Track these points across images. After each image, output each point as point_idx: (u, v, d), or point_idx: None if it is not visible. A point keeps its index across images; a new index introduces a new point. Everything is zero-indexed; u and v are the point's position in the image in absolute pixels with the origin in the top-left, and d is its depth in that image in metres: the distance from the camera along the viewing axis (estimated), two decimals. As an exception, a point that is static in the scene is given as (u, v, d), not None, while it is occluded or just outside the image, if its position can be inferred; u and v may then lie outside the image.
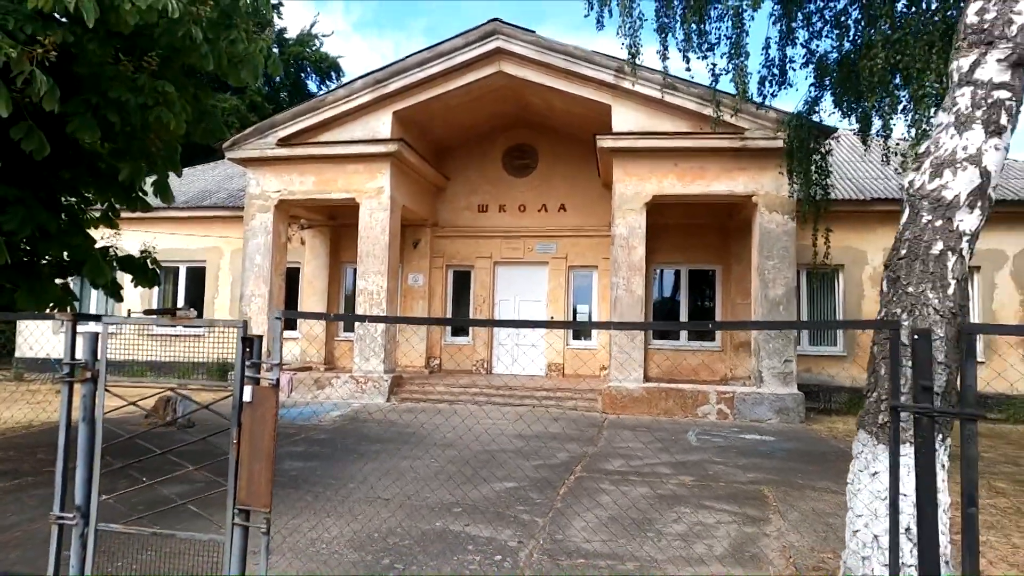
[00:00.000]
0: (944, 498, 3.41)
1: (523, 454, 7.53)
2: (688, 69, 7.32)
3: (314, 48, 31.65)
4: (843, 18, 6.47)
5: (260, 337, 3.56)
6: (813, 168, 8.19)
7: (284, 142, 13.14)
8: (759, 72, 7.65)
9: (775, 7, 7.12)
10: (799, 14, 6.99)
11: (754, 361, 11.74)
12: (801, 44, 7.22)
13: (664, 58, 7.39)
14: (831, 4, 6.56)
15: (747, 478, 6.73)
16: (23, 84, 3.75)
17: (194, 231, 15.95)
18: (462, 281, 15.63)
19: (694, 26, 6.42)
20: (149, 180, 5.97)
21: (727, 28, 6.21)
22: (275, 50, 28.52)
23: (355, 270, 13.35)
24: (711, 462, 7.56)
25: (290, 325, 15.41)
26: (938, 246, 3.31)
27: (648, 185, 12.05)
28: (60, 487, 3.51)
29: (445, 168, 15.51)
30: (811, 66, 7.12)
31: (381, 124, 12.97)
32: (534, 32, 12.35)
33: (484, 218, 15.47)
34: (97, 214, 6.77)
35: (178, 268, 16.24)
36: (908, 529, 3.23)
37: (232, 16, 5.68)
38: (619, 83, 11.90)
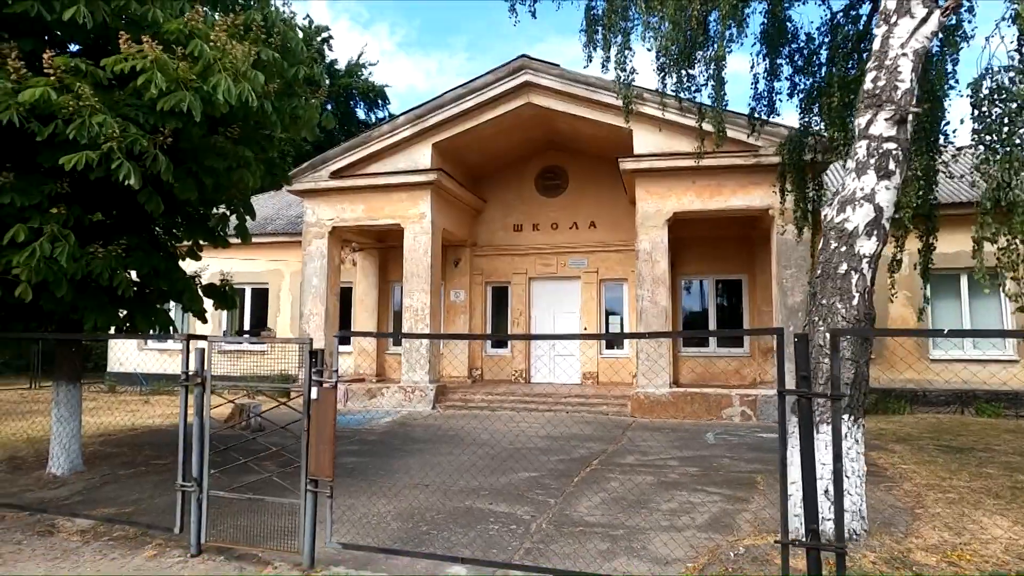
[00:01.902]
0: (859, 465, 4.26)
1: (548, 451, 8.51)
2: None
3: (362, 78, 33.55)
4: (814, 58, 7.28)
5: (322, 350, 4.69)
6: (810, 184, 8.92)
7: (336, 175, 14.56)
8: (749, 104, 8.50)
9: (761, 47, 8.00)
10: (783, 51, 7.83)
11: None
12: (786, 78, 8.05)
13: (663, 95, 8.35)
14: (806, 47, 7.38)
15: (747, 468, 7.52)
16: (149, 161, 5.02)
17: (257, 256, 17.56)
18: (500, 296, 16.73)
19: (683, 72, 7.34)
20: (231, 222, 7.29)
21: (711, 72, 7.11)
22: (326, 81, 30.35)
23: (402, 288, 14.61)
24: (720, 457, 8.36)
25: (344, 340, 16.82)
26: (843, 267, 4.18)
27: (669, 202, 12.89)
28: (182, 463, 4.72)
29: (482, 192, 16.69)
30: (795, 97, 7.94)
31: (422, 155, 14.23)
32: (559, 65, 13.42)
33: (519, 237, 16.55)
34: (184, 248, 8.16)
35: (244, 290, 17.88)
36: (827, 491, 4.09)
37: (293, 86, 6.96)
38: (638, 108, 12.77)
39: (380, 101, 34.09)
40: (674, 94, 7.37)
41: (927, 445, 8.88)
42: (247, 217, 7.30)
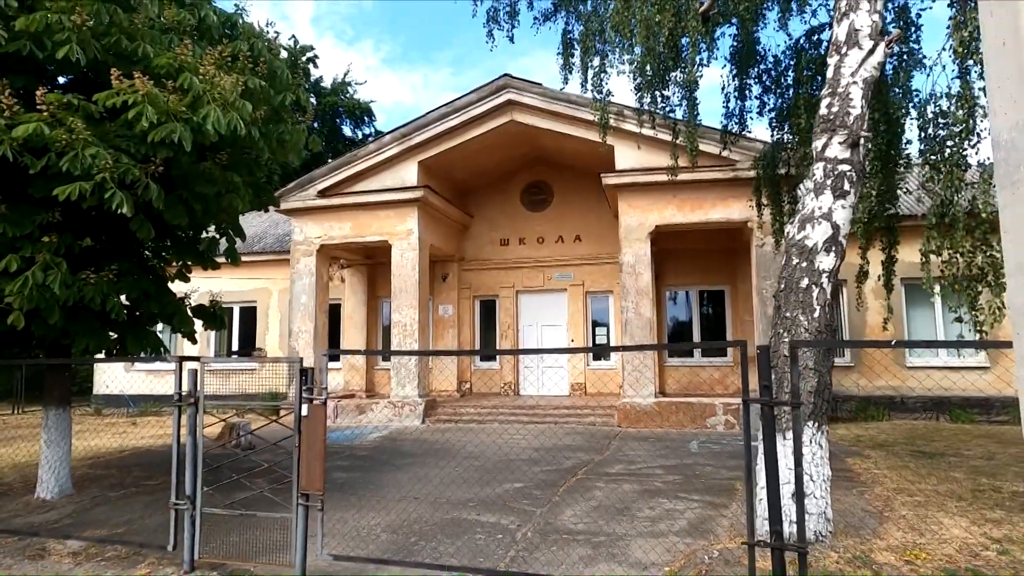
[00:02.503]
0: (823, 470, 4.48)
1: (535, 462, 8.69)
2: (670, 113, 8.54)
3: (348, 95, 33.81)
4: (781, 79, 7.60)
5: (312, 369, 4.86)
6: (785, 198, 9.22)
7: (323, 193, 14.75)
8: (722, 122, 8.82)
9: (732, 68, 8.31)
10: (752, 72, 8.14)
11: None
12: (756, 97, 8.36)
13: (641, 112, 8.64)
14: (774, 68, 7.71)
15: (728, 476, 7.73)
16: (140, 190, 5.20)
17: (245, 274, 17.65)
18: (488, 309, 16.93)
19: (658, 93, 7.63)
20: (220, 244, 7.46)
21: (684, 94, 7.40)
22: (312, 101, 30.41)
23: (390, 304, 14.76)
24: (703, 465, 8.57)
25: (334, 357, 16.90)
26: (804, 281, 4.43)
27: (651, 216, 13.18)
28: (175, 482, 4.86)
29: (468, 207, 16.93)
30: (765, 116, 8.25)
31: (408, 173, 14.47)
32: (541, 84, 13.74)
33: (506, 251, 16.78)
34: (172, 270, 8.31)
35: (232, 308, 17.95)
36: (794, 495, 4.30)
37: (279, 112, 7.17)
38: (619, 125, 13.08)
39: (366, 118, 34.36)
40: (651, 113, 7.65)
41: (900, 451, 9.14)
42: (236, 239, 7.47)
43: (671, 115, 7.90)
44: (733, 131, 8.43)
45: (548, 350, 5.97)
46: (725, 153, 10.94)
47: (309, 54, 32.49)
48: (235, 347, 18.14)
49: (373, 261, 16.98)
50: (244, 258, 17.80)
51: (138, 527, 5.93)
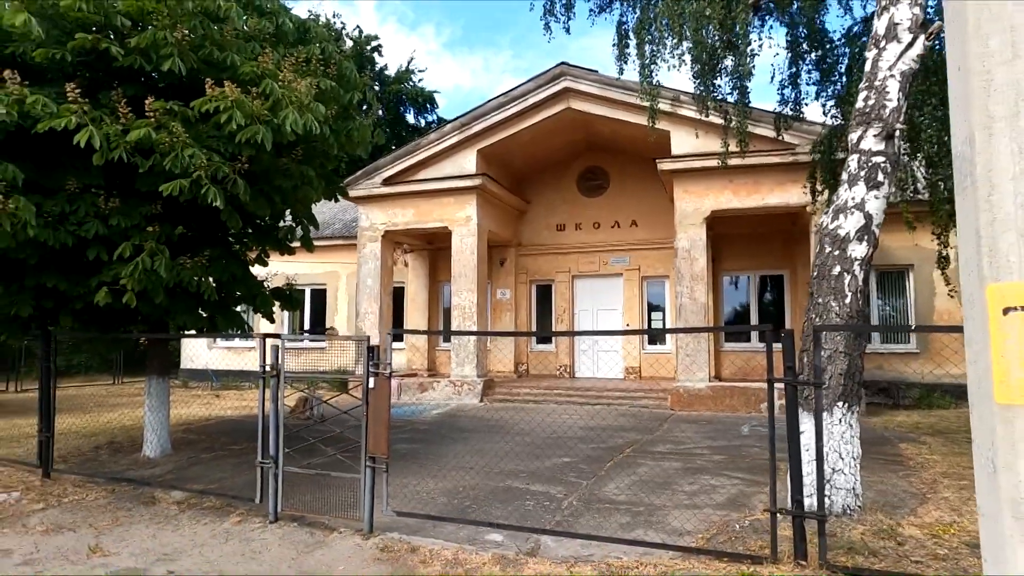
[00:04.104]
0: (852, 447, 4.71)
1: (586, 440, 9.10)
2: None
3: (412, 84, 34.65)
4: (837, 66, 7.61)
5: (378, 346, 5.41)
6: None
7: (387, 182, 15.47)
8: (776, 108, 8.86)
9: (789, 54, 8.35)
10: (807, 59, 8.17)
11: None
12: (813, 83, 8.38)
13: (697, 99, 8.80)
14: (830, 55, 7.71)
15: (779, 457, 7.91)
16: (230, 185, 5.88)
17: (316, 259, 18.69)
18: (544, 294, 17.35)
19: (710, 82, 7.79)
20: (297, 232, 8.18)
21: (736, 83, 7.54)
22: (377, 106, 31.37)
23: (450, 287, 15.41)
24: (750, 446, 8.76)
25: (398, 337, 17.76)
26: (837, 269, 4.63)
27: (706, 201, 13.23)
28: (260, 443, 5.54)
29: (525, 193, 17.33)
30: (820, 100, 8.26)
31: (467, 161, 14.98)
32: (596, 71, 13.92)
33: (562, 236, 17.12)
34: (253, 255, 9.11)
35: (304, 290, 19.06)
36: (835, 469, 4.54)
37: (348, 109, 7.76)
38: (675, 111, 13.17)
39: (429, 105, 35.11)
40: (704, 100, 7.83)
41: (959, 438, 9.04)
42: (310, 228, 8.15)
43: (726, 101, 8.04)
44: (789, 116, 8.47)
45: (598, 332, 6.31)
46: (783, 137, 10.91)
47: (374, 43, 33.48)
48: (306, 327, 19.27)
49: (434, 246, 17.66)
50: (316, 243, 18.89)
51: (228, 484, 6.71)
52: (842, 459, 4.65)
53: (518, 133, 14.87)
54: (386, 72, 34.48)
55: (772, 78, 8.12)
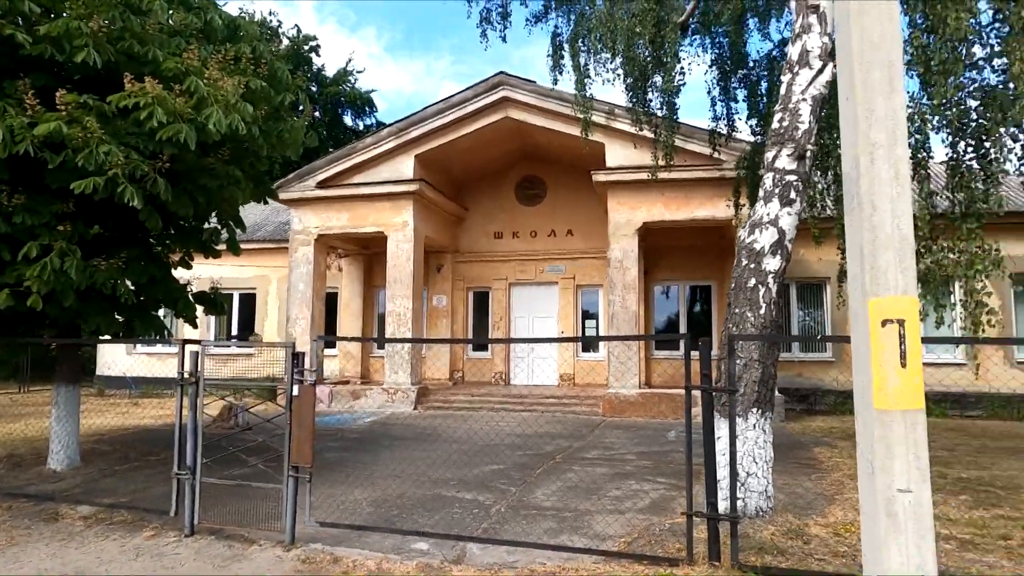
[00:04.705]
0: (765, 452, 4.93)
1: (518, 447, 9.16)
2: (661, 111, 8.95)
3: (350, 85, 34.13)
4: (755, 87, 8.02)
5: (303, 352, 5.30)
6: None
7: (322, 185, 15.16)
8: (709, 124, 9.22)
9: (716, 73, 8.71)
10: (733, 78, 8.55)
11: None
12: (741, 100, 8.77)
13: (630, 113, 9.06)
14: (752, 76, 8.11)
15: (697, 461, 8.17)
16: (149, 184, 5.63)
17: (245, 262, 18.09)
18: (481, 301, 17.39)
19: (641, 97, 8.03)
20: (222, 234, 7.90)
21: (665, 99, 7.81)
22: (312, 89, 30.68)
23: (386, 293, 15.21)
24: (675, 452, 9.02)
25: (330, 344, 17.42)
26: (752, 281, 4.86)
27: (639, 213, 13.60)
28: (177, 453, 5.31)
29: (464, 200, 17.35)
30: (744, 121, 8.67)
31: (405, 166, 14.87)
32: (535, 82, 14.12)
33: (499, 244, 17.22)
34: (175, 258, 8.75)
35: (232, 295, 18.41)
36: (749, 473, 4.74)
37: (279, 110, 7.58)
38: (610, 124, 13.50)
39: (367, 108, 34.69)
40: (637, 114, 8.06)
41: (867, 441, 9.59)
42: (237, 230, 7.90)
43: (656, 115, 8.31)
44: (720, 133, 8.83)
45: (534, 339, 6.40)
46: (712, 153, 11.35)
47: (311, 43, 32.83)
48: (234, 332, 18.61)
49: (370, 251, 17.41)
50: (244, 246, 18.20)
51: (142, 496, 6.40)
52: (755, 463, 4.87)
53: (457, 140, 14.89)
54: (324, 73, 33.86)
55: (709, 92, 8.43)
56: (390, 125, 14.99)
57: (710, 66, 8.51)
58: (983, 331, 5.92)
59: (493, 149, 16.10)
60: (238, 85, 6.05)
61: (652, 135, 11.89)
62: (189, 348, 5.37)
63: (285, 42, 30.44)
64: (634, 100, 8.34)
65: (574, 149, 15.25)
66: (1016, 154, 5.50)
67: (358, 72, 35.10)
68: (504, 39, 9.62)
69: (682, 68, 7.57)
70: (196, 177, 6.36)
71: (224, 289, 15.65)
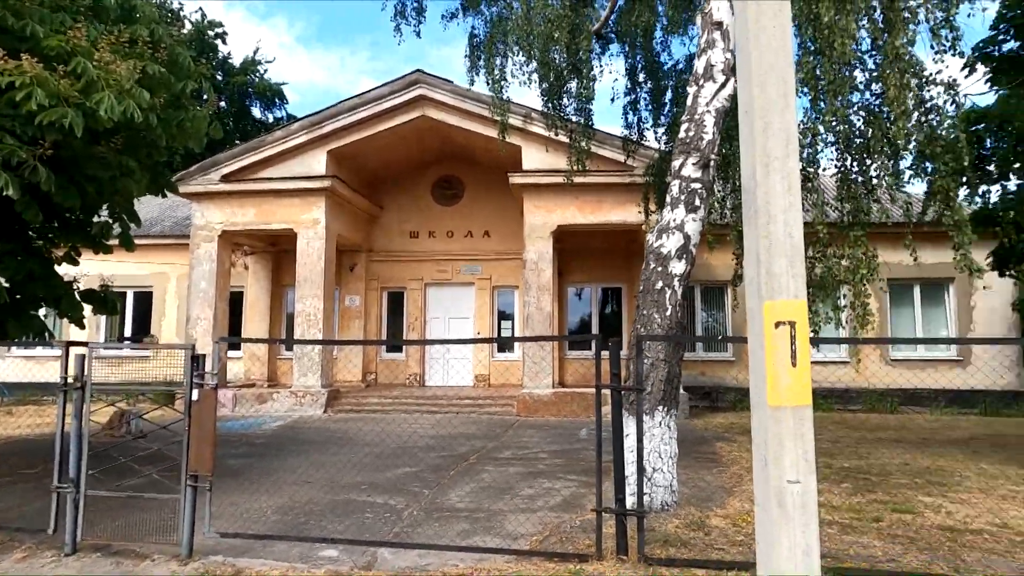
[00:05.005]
0: (671, 448, 5.14)
1: (432, 449, 9.08)
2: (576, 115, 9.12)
3: (259, 76, 32.69)
4: (662, 97, 8.39)
5: (205, 355, 5.02)
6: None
7: (227, 178, 14.43)
8: (622, 131, 9.52)
9: (628, 82, 9.00)
10: (644, 87, 8.86)
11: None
12: (649, 110, 9.11)
13: (546, 117, 9.20)
14: (662, 84, 8.47)
15: (607, 459, 8.40)
16: (28, 172, 5.15)
17: (141, 259, 16.93)
18: (396, 301, 17.12)
19: (556, 102, 8.18)
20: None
21: (579, 105, 8.00)
22: (219, 78, 29.19)
23: (295, 293, 14.67)
24: (587, 450, 9.23)
25: (235, 345, 16.61)
26: (659, 284, 5.06)
27: (554, 216, 13.84)
28: (58, 465, 4.89)
29: (379, 198, 17.02)
30: (654, 129, 9.02)
31: (317, 162, 14.41)
32: (452, 82, 14.08)
33: (415, 243, 17.02)
34: (60, 253, 8.05)
35: (125, 293, 17.18)
36: (643, 469, 4.91)
37: (180, 98, 7.15)
38: (527, 127, 13.65)
39: (278, 100, 33.36)
40: (553, 118, 8.19)
41: (763, 435, 10.20)
42: (131, 224, 7.37)
43: (571, 121, 8.48)
44: (632, 140, 9.11)
45: (450, 341, 6.36)
46: (624, 160, 11.73)
47: (217, 29, 31.21)
48: (128, 334, 17.38)
49: (278, 249, 16.75)
50: (140, 242, 16.97)
51: (16, 514, 5.84)
52: (661, 459, 5.07)
53: (372, 137, 14.60)
54: (231, 61, 32.28)
55: (612, 100, 8.69)
56: (302, 119, 14.49)
57: (625, 75, 8.79)
58: (865, 332, 6.44)
59: (410, 147, 15.91)
60: (133, 69, 5.65)
61: (567, 140, 12.13)
62: (74, 350, 4.96)
63: (188, 26, 28.73)
64: (550, 105, 8.47)
65: (492, 151, 15.33)
66: (887, 170, 6.01)
67: (267, 62, 33.66)
68: (419, 34, 9.55)
69: (595, 75, 7.77)
70: (85, 166, 5.88)
71: (117, 287, 14.60)
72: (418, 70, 14.07)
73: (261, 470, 7.77)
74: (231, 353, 16.48)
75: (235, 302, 16.22)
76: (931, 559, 4.53)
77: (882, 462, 8.08)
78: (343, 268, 16.48)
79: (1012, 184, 9.84)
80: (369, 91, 14.27)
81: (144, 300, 17.41)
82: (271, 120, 32.77)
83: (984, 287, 14.91)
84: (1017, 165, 9.51)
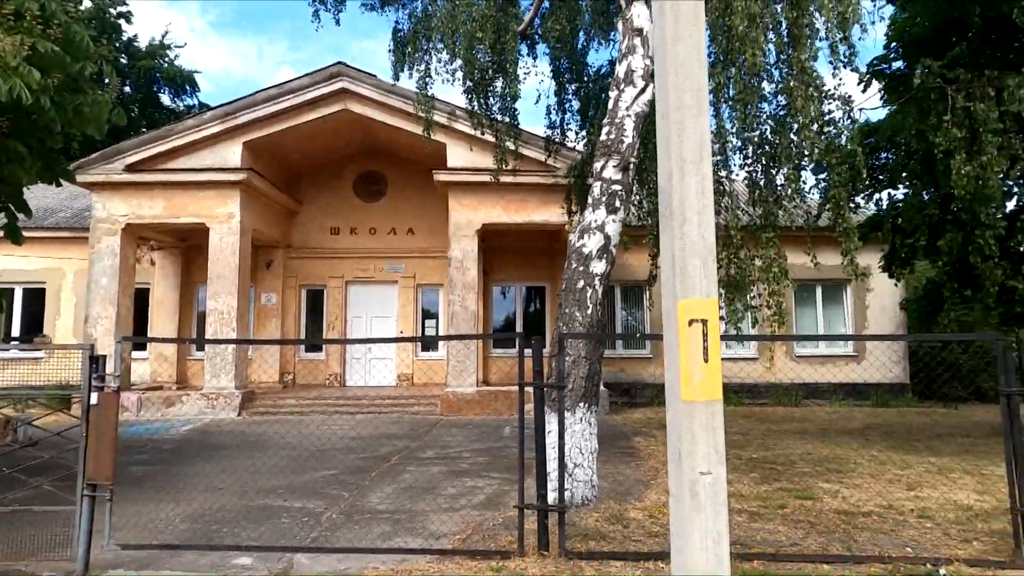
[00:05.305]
0: (591, 444, 5.26)
1: (353, 450, 8.88)
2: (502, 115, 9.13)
3: (168, 61, 30.89)
4: (586, 100, 8.57)
5: (105, 356, 4.71)
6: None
7: (132, 168, 13.55)
8: (545, 131, 9.63)
9: (553, 83, 9.12)
10: (569, 89, 9.00)
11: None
12: (575, 112, 9.26)
13: (471, 115, 9.17)
14: (586, 89, 8.64)
15: (531, 456, 8.50)
16: None
17: (32, 252, 15.63)
18: (316, 299, 16.63)
19: (482, 100, 8.18)
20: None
21: (505, 104, 8.03)
22: (123, 61, 27.39)
23: (207, 290, 13.96)
24: (511, 447, 9.28)
25: (140, 346, 15.66)
26: (581, 283, 5.16)
27: (479, 214, 13.84)
28: (-69, 478, 4.44)
29: (299, 193, 16.48)
30: (577, 131, 9.18)
31: (231, 153, 13.77)
32: (376, 76, 13.80)
33: (337, 240, 16.59)
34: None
35: (13, 289, 15.85)
36: (565, 464, 5.00)
37: (79, 80, 6.66)
38: (452, 125, 13.58)
39: (189, 88, 31.62)
40: (478, 117, 8.18)
41: (678, 429, 10.61)
42: (20, 215, 6.79)
43: (497, 120, 8.49)
44: (554, 140, 9.22)
45: (371, 340, 6.25)
46: (548, 160, 11.86)
47: (120, 8, 29.21)
48: (16, 333, 16.02)
49: (189, 244, 15.89)
50: (30, 234, 15.67)
51: None
52: (582, 454, 5.18)
53: (291, 129, 14.10)
54: (136, 44, 30.31)
55: (537, 101, 8.80)
56: (216, 108, 13.82)
57: (549, 75, 8.90)
58: (781, 330, 6.82)
59: (332, 141, 15.49)
60: (20, 46, 5.22)
61: (493, 139, 12.16)
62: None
63: (87, 3, 26.74)
64: (475, 104, 8.47)
65: (416, 147, 15.13)
66: (792, 179, 6.38)
67: (178, 47, 31.83)
68: (337, 22, 9.33)
69: (520, 76, 7.82)
70: (-36, 149, 5.38)
71: (2, 283, 13.54)
72: (340, 62, 13.72)
73: (169, 476, 7.36)
74: (136, 354, 15.51)
75: (141, 300, 15.26)
76: (828, 541, 4.85)
77: (787, 452, 8.57)
78: (259, 265, 15.85)
79: (900, 193, 10.69)
80: (289, 81, 13.78)
81: (36, 297, 16.09)
82: (182, 108, 31.04)
83: (868, 289, 16.14)
84: (905, 175, 10.33)
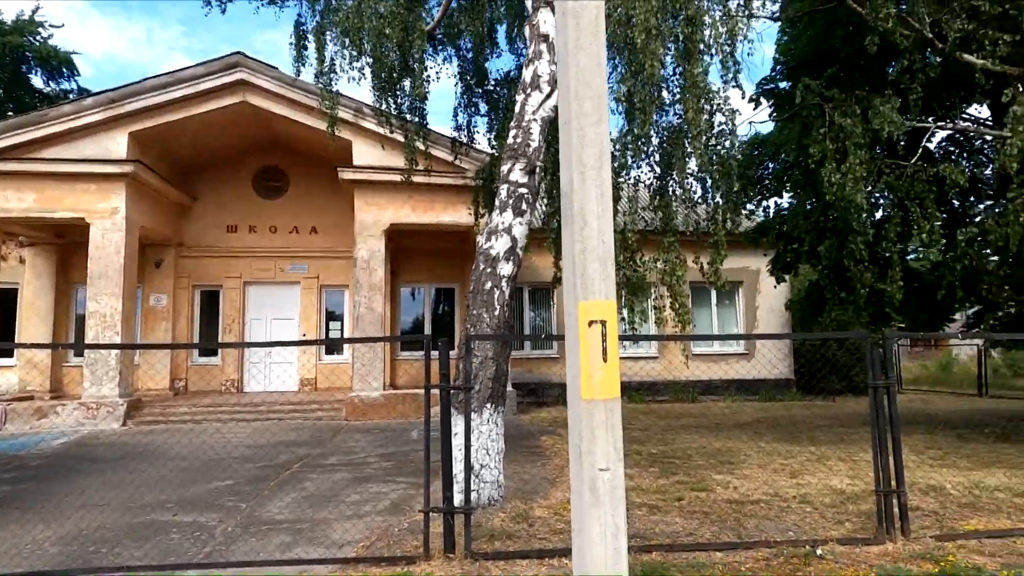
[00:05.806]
0: (498, 445, 5.29)
1: (250, 459, 8.47)
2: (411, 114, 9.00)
3: (40, 39, 28.22)
4: (494, 102, 8.66)
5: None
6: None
7: (-4, 156, 12.28)
8: (452, 133, 9.61)
9: (461, 85, 9.11)
10: (478, 91, 9.03)
11: (477, 366, 13.87)
12: (483, 115, 9.30)
13: (379, 113, 9.00)
14: (493, 90, 8.71)
15: (437, 459, 8.44)
16: None
17: None
18: (211, 301, 15.75)
19: (390, 99, 8.05)
20: None
21: (413, 103, 7.94)
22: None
23: (87, 291, 12.88)
24: (417, 451, 9.15)
25: (8, 352, 14.23)
26: (488, 284, 5.19)
27: (387, 214, 13.60)
28: None
29: (192, 188, 15.54)
30: (485, 133, 9.25)
31: (116, 144, 12.78)
32: (277, 68, 13.27)
33: (234, 238, 15.79)
34: None
35: None
36: (472, 467, 5.00)
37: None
38: (358, 122, 13.28)
39: (66, 70, 29.02)
40: (387, 115, 8.04)
41: (583, 427, 10.90)
42: None
43: (406, 119, 8.38)
44: (462, 142, 9.22)
45: (271, 343, 5.97)
46: (457, 162, 11.85)
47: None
48: None
49: (66, 240, 14.61)
50: None
51: None
52: (489, 455, 5.20)
53: (185, 120, 13.27)
54: (1, 18, 27.51)
55: (452, 102, 8.78)
56: (99, 93, 12.77)
57: (457, 76, 8.89)
58: (677, 329, 7.15)
59: (229, 134, 14.73)
60: None
61: (402, 138, 12.00)
62: None
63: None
64: (382, 102, 8.32)
65: (321, 143, 14.64)
66: (684, 187, 6.73)
67: (53, 26, 29.16)
68: (223, 11, 8.91)
69: (428, 76, 7.77)
70: None
71: None
72: (238, 52, 13.07)
73: (37, 495, 6.72)
74: (2, 361, 14.09)
75: (8, 301, 13.86)
76: (720, 530, 5.13)
77: (684, 447, 9.00)
78: (148, 264, 14.81)
79: (785, 201, 11.52)
80: (182, 69, 12.97)
81: None
82: (58, 92, 28.45)
83: (758, 292, 17.30)
84: (788, 185, 11.14)
